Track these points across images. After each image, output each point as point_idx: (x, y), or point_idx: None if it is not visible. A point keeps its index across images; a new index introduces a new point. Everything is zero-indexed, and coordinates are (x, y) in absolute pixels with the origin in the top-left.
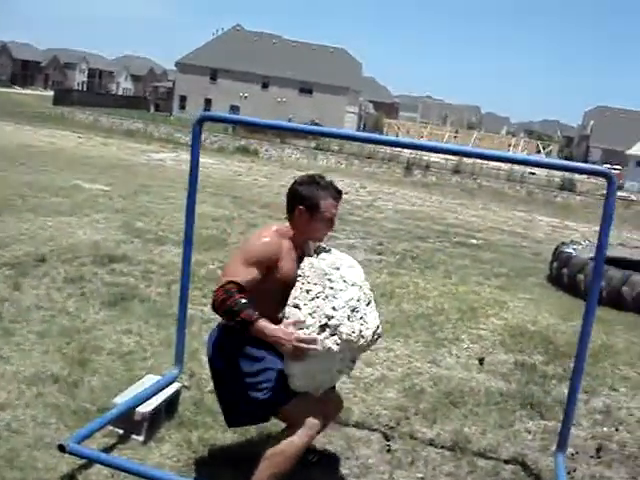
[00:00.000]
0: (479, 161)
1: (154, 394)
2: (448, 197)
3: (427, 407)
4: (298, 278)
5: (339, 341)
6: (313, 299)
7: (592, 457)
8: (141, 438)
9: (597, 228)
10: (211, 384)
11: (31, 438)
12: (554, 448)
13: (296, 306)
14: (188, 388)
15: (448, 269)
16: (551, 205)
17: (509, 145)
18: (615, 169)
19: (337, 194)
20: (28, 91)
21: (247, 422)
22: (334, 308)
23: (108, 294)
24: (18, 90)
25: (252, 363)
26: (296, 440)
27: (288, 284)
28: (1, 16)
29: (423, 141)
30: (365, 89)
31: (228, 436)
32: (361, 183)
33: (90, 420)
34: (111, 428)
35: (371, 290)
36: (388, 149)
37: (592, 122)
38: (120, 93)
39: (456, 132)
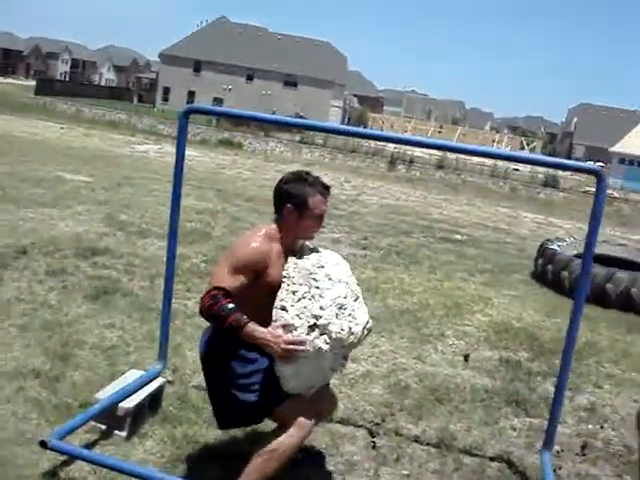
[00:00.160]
0: (463, 156)
1: (137, 389)
2: (432, 192)
3: (412, 403)
4: (283, 279)
5: (329, 340)
6: (300, 300)
7: (577, 455)
8: (124, 434)
9: (581, 225)
10: (195, 379)
11: (12, 433)
12: (539, 445)
13: (283, 308)
14: (172, 383)
15: (433, 265)
16: (534, 201)
17: (493, 141)
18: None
19: (325, 190)
20: (9, 80)
21: (240, 424)
22: (321, 307)
23: (90, 287)
24: None
25: (244, 365)
26: (288, 440)
27: (277, 289)
28: None
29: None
30: (350, 83)
31: (212, 432)
32: (345, 177)
33: (72, 415)
34: (93, 424)
35: (358, 285)
36: (372, 143)
37: (576, 119)
38: (103, 84)
39: (440, 127)
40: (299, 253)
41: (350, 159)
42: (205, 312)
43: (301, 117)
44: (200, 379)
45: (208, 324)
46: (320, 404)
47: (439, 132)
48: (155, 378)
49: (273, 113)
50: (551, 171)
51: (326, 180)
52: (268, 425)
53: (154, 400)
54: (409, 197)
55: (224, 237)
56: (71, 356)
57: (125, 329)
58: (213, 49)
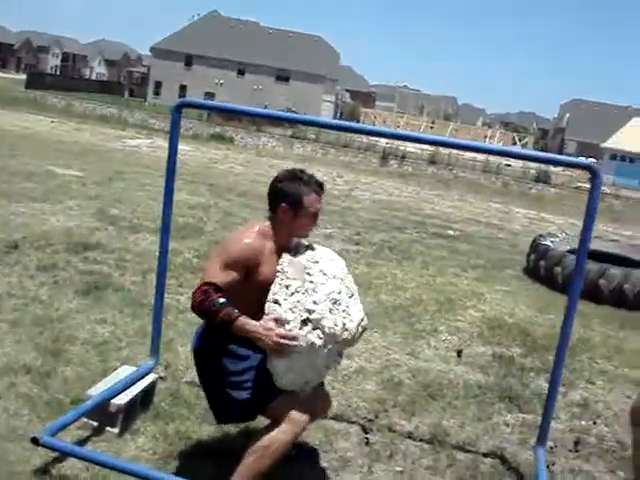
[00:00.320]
0: (455, 151)
1: (129, 385)
2: (425, 188)
3: (405, 399)
4: (277, 274)
5: (322, 335)
6: (293, 294)
7: (570, 451)
8: (116, 430)
9: (573, 220)
10: (188, 375)
11: (3, 430)
12: (533, 441)
13: (276, 301)
14: (164, 379)
15: (425, 260)
16: (526, 197)
17: (485, 137)
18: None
19: (319, 188)
20: (0, 74)
21: (235, 420)
22: (315, 302)
23: (82, 282)
24: None
25: (237, 362)
26: (282, 437)
27: (269, 287)
28: None
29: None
30: (342, 78)
31: (205, 428)
32: (338, 172)
33: (64, 412)
34: (85, 420)
35: (355, 284)
36: (364, 138)
37: (568, 115)
38: (94, 78)
39: (432, 122)
40: (294, 250)
41: (342, 154)
42: (196, 307)
43: (293, 112)
44: (193, 375)
45: (201, 320)
46: (314, 402)
47: (431, 127)
48: (147, 374)
49: (265, 108)
50: (543, 167)
51: (319, 175)
52: (261, 422)
53: (146, 396)
54: (401, 192)
55: (216, 232)
56: (62, 352)
57: (117, 324)
58: (205, 43)
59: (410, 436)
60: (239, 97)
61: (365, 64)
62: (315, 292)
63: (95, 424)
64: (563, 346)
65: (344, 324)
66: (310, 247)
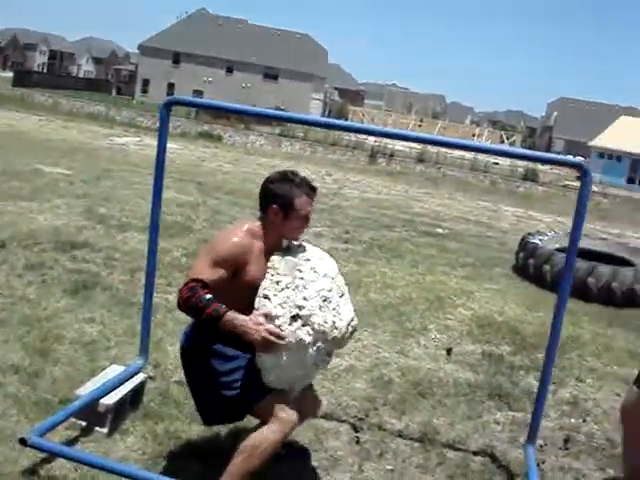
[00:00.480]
0: (443, 150)
1: (118, 385)
2: (413, 186)
3: (395, 398)
4: (268, 270)
5: (311, 332)
6: (283, 289)
7: (560, 448)
8: (105, 430)
9: (561, 219)
10: (177, 375)
11: None
12: (522, 439)
13: (266, 296)
14: (153, 379)
15: (415, 258)
16: (514, 195)
17: (473, 135)
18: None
19: (311, 191)
20: None
21: (222, 421)
22: (305, 298)
23: (70, 281)
24: None
25: (224, 362)
26: (271, 436)
27: (256, 287)
28: None
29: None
30: (330, 76)
31: (194, 428)
32: (327, 171)
33: (52, 412)
34: (74, 420)
35: (345, 285)
36: (353, 136)
37: (555, 113)
38: (81, 75)
39: (421, 121)
40: (285, 248)
41: (330, 152)
42: (183, 304)
43: (282, 110)
44: (182, 374)
45: (190, 319)
46: (303, 402)
47: (419, 126)
48: (136, 373)
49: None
50: (531, 165)
51: (307, 174)
52: (251, 421)
53: (135, 396)
54: (390, 191)
55: (205, 230)
56: (51, 351)
57: (105, 324)
58: (193, 41)
59: (400, 435)
60: (227, 95)
61: (353, 62)
62: (305, 289)
63: (84, 424)
64: (553, 345)
65: (334, 322)
66: (301, 246)
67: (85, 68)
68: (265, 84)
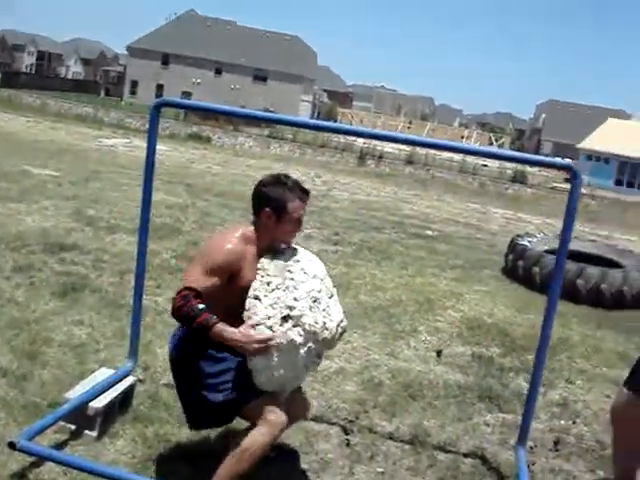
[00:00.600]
0: (432, 152)
1: (108, 388)
2: (402, 188)
3: (386, 400)
4: (258, 271)
5: (302, 332)
6: (273, 290)
7: (550, 450)
8: (94, 434)
9: (550, 220)
10: (166, 377)
11: None
12: (513, 441)
13: (256, 297)
14: (142, 381)
15: (404, 260)
16: (503, 197)
17: (462, 137)
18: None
19: (304, 195)
20: None
21: (210, 424)
22: (295, 299)
23: (58, 284)
24: None
25: (213, 364)
26: (260, 439)
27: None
28: None
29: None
30: (319, 78)
31: (184, 431)
32: (316, 172)
33: (41, 415)
34: (63, 423)
35: (334, 287)
36: (342, 138)
37: (544, 115)
38: (70, 77)
39: (409, 123)
40: (275, 249)
41: (319, 154)
42: (176, 312)
43: (271, 112)
44: (171, 377)
45: (178, 323)
46: (292, 404)
47: (408, 128)
48: (126, 376)
49: (242, 108)
50: (519, 167)
51: (297, 175)
52: (240, 424)
53: (125, 399)
54: (379, 192)
55: (194, 232)
56: (39, 354)
57: (94, 326)
58: (182, 42)
59: (391, 437)
60: (216, 97)
61: (342, 64)
62: (296, 289)
63: (73, 427)
64: (543, 347)
65: (324, 323)
66: (291, 247)
67: (73, 69)
68: (254, 86)
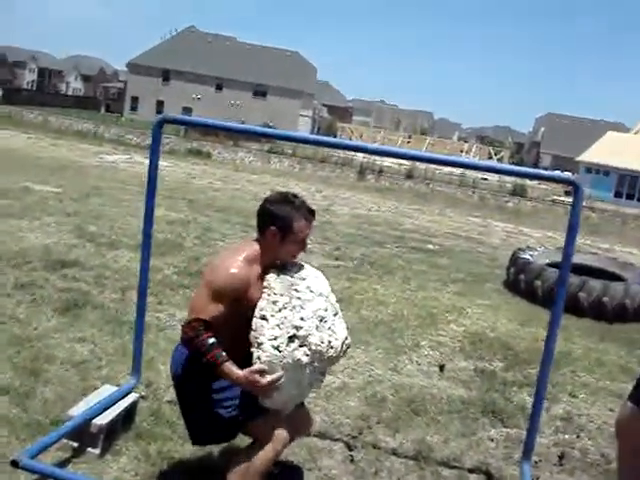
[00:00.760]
0: (432, 166)
1: (110, 405)
2: (403, 202)
3: (389, 416)
4: (264, 290)
5: (308, 352)
6: (280, 310)
7: (555, 465)
8: (97, 451)
9: (550, 234)
10: (169, 394)
11: None
12: (517, 456)
13: (263, 317)
14: (145, 398)
15: (406, 275)
16: (503, 210)
17: (461, 151)
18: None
19: (310, 215)
20: None
21: (213, 441)
22: (302, 318)
23: (60, 300)
24: None
25: (217, 381)
26: (263, 455)
27: None
28: None
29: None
30: (319, 93)
31: (187, 448)
32: (316, 187)
33: (43, 433)
34: (65, 441)
35: (337, 302)
36: (342, 153)
37: (543, 129)
38: (70, 93)
39: (409, 137)
40: (280, 266)
41: (319, 169)
42: (187, 343)
43: (271, 127)
44: (174, 394)
45: (179, 338)
46: (295, 420)
47: (408, 142)
48: (128, 393)
49: (242, 123)
50: (519, 180)
51: (297, 190)
52: (243, 440)
53: (128, 416)
54: (380, 207)
55: (196, 248)
56: (41, 371)
57: (96, 343)
58: (182, 58)
59: (395, 452)
60: (216, 112)
61: (342, 79)
62: (302, 309)
63: (76, 445)
64: (547, 361)
65: (329, 342)
66: (295, 264)
67: (74, 86)
68: (254, 101)
